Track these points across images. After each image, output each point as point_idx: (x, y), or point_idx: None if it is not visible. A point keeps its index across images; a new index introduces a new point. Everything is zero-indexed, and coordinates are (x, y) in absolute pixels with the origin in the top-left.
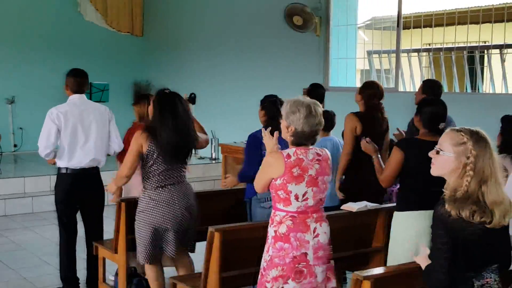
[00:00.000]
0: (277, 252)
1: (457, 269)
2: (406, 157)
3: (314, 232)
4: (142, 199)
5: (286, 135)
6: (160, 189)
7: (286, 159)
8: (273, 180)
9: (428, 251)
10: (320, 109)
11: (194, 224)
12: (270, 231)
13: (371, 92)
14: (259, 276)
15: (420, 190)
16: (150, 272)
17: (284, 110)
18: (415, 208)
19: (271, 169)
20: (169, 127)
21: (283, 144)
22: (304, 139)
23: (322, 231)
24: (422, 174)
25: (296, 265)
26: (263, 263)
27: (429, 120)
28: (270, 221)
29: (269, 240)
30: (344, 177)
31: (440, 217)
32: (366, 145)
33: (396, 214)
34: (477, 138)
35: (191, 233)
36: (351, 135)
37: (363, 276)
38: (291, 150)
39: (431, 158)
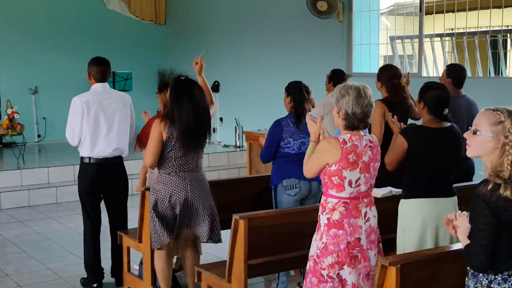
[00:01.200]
0: (332, 239)
1: (499, 250)
2: (410, 146)
3: (365, 216)
4: (155, 187)
5: (338, 120)
6: (174, 174)
7: (342, 145)
8: (327, 166)
9: (464, 222)
10: (369, 91)
11: (209, 214)
12: (323, 219)
13: (388, 75)
14: (312, 264)
15: (427, 178)
16: (157, 261)
17: (334, 95)
18: (422, 196)
19: (327, 155)
20: (185, 111)
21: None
22: (356, 121)
23: (372, 214)
24: (428, 162)
25: (351, 251)
26: (316, 251)
27: (435, 105)
28: (321, 208)
29: (322, 227)
30: None
31: (483, 197)
32: (391, 123)
33: (402, 202)
34: None
35: (207, 221)
36: (381, 119)
37: (388, 262)
38: (347, 136)
39: (439, 145)
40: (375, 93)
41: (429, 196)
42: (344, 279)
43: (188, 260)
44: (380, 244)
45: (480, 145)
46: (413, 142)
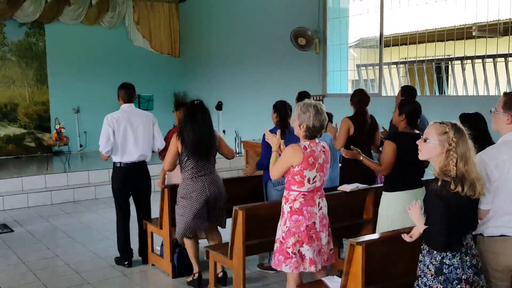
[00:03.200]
0: (294, 223)
1: (452, 232)
2: (397, 147)
3: (319, 205)
4: (181, 188)
5: (299, 132)
6: (195, 179)
7: (304, 150)
8: (291, 168)
9: (417, 211)
10: (323, 107)
11: (223, 206)
12: (286, 208)
13: (357, 98)
14: (278, 245)
15: (404, 174)
16: (188, 243)
17: (296, 112)
18: (400, 189)
19: (292, 158)
20: (192, 130)
21: (296, 139)
22: (315, 132)
23: (324, 204)
24: (406, 160)
25: (309, 232)
26: (281, 234)
27: (411, 116)
28: (284, 200)
29: (285, 215)
30: (340, 165)
31: (436, 192)
32: (347, 153)
33: (384, 194)
34: (456, 128)
35: (221, 213)
36: (345, 134)
37: (356, 242)
38: (306, 143)
39: (413, 147)
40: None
41: (405, 189)
42: (304, 255)
43: (212, 241)
44: (330, 228)
45: (429, 150)
46: (399, 143)
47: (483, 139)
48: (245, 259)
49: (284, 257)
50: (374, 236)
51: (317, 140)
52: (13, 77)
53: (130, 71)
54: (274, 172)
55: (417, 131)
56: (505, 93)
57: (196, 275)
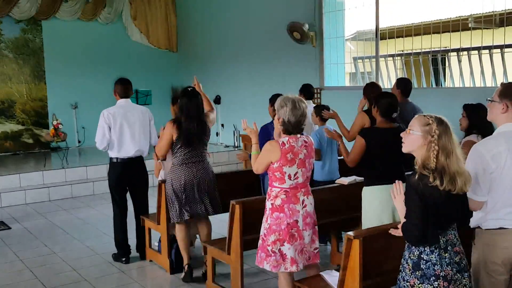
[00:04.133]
0: (274, 221)
1: (428, 227)
2: (367, 143)
3: (302, 203)
4: (170, 175)
5: (277, 126)
6: (184, 165)
7: (281, 146)
8: (271, 164)
9: (401, 203)
10: (303, 104)
11: (212, 193)
12: (268, 204)
13: (372, 91)
14: (261, 241)
15: (381, 168)
16: (179, 233)
17: (276, 105)
18: (378, 183)
19: (270, 154)
20: (188, 116)
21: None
22: (291, 127)
23: (309, 202)
24: (382, 155)
25: (290, 230)
26: (263, 231)
27: (385, 110)
28: (267, 196)
29: (267, 211)
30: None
31: (413, 185)
32: (329, 133)
33: (364, 189)
34: (440, 121)
35: (210, 200)
36: (358, 127)
37: (353, 236)
38: (285, 139)
39: (390, 142)
40: (343, 101)
41: (383, 183)
42: (285, 253)
43: (202, 229)
44: (316, 227)
45: (412, 142)
46: (369, 138)
47: (484, 128)
48: (243, 254)
49: (265, 254)
50: (371, 229)
51: (298, 135)
52: (10, 74)
53: (128, 66)
54: (256, 167)
55: (396, 124)
56: (502, 83)
57: (186, 267)
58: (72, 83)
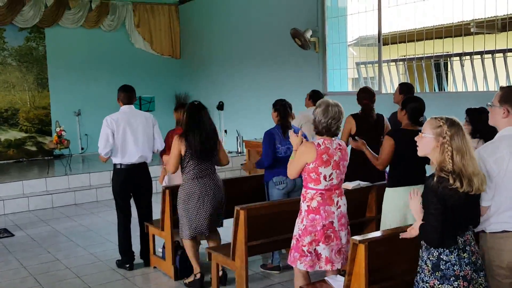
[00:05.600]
0: (310, 222)
1: (447, 229)
2: (396, 143)
3: (337, 204)
4: (182, 190)
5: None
6: (196, 180)
7: (317, 148)
8: (306, 165)
9: (416, 204)
10: (337, 108)
11: (222, 208)
12: (303, 206)
13: (362, 96)
14: (294, 242)
15: (406, 169)
16: (187, 244)
17: (315, 110)
18: (402, 184)
19: (306, 155)
20: (198, 133)
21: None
22: (321, 128)
23: (343, 203)
24: (407, 156)
25: (326, 231)
26: (298, 231)
27: (412, 113)
28: (302, 198)
29: (303, 213)
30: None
31: (432, 188)
32: (353, 143)
33: (387, 190)
34: (451, 122)
35: (220, 215)
36: (347, 133)
37: (358, 240)
38: (320, 140)
39: (414, 144)
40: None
41: (407, 185)
42: (320, 253)
43: (211, 242)
44: (349, 227)
45: (425, 145)
46: (397, 139)
47: (487, 133)
48: (247, 260)
49: (299, 254)
50: (377, 234)
51: (333, 138)
52: (13, 82)
53: (131, 73)
54: (291, 170)
55: (420, 128)
56: (501, 87)
57: (198, 275)
58: (75, 91)
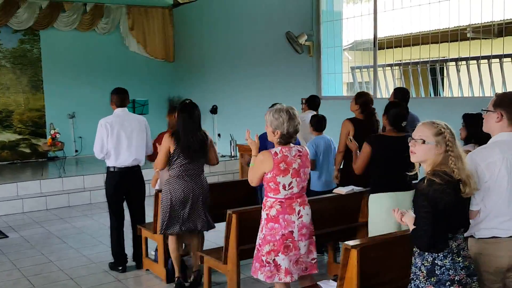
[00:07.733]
0: (269, 231)
1: (438, 232)
2: (373, 150)
3: (298, 213)
4: (166, 184)
5: (274, 139)
6: (181, 178)
7: (274, 157)
8: (264, 174)
9: (413, 215)
10: (296, 111)
11: (205, 211)
12: (263, 214)
13: (364, 100)
14: (256, 251)
15: (387, 176)
16: (170, 243)
17: (268, 118)
18: (384, 190)
19: (263, 165)
20: (188, 130)
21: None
22: (289, 138)
23: (305, 213)
24: (388, 163)
25: (285, 241)
26: (258, 241)
27: (394, 119)
28: (262, 206)
29: (263, 221)
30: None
31: (422, 192)
32: (349, 143)
33: (370, 196)
34: (449, 128)
35: (201, 216)
36: (345, 137)
37: (351, 245)
38: (278, 149)
39: (394, 151)
40: (341, 110)
41: (389, 191)
42: (279, 264)
43: (193, 246)
44: (314, 237)
45: (425, 152)
46: (375, 146)
47: (482, 138)
48: (239, 264)
49: (260, 264)
50: (369, 239)
51: (291, 145)
52: (7, 84)
53: (125, 76)
54: (251, 178)
55: (403, 133)
56: (496, 94)
57: (176, 279)
58: (70, 93)
